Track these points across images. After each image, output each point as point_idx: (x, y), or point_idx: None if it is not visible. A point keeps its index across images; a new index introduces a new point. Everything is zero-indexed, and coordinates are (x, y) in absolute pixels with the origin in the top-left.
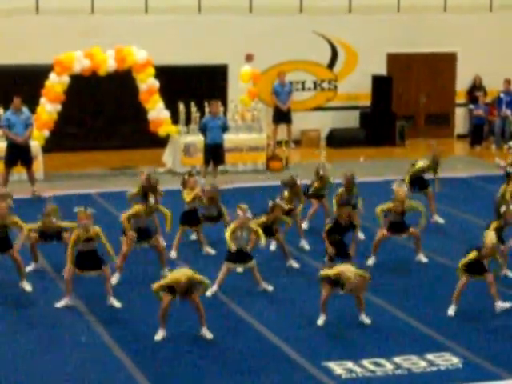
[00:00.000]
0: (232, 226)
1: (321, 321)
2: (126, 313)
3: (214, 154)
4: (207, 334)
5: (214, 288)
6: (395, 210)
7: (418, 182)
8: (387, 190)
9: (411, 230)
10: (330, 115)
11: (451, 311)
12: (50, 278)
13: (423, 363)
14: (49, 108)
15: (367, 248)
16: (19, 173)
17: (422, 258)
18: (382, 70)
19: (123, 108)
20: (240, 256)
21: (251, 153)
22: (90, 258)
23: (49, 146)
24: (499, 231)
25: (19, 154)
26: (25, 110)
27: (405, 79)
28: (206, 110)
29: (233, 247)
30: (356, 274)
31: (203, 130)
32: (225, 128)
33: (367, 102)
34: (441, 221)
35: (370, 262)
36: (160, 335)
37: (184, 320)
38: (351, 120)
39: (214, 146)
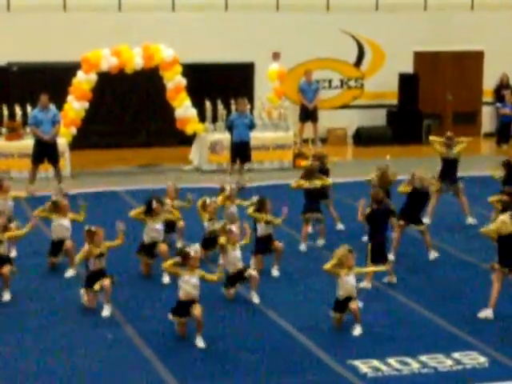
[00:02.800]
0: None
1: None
2: (151, 309)
3: (241, 151)
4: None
5: None
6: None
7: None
8: None
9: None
10: (357, 113)
11: None
12: (76, 276)
13: (449, 362)
14: (76, 105)
15: None
16: (46, 170)
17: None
18: (408, 69)
19: (150, 106)
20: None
21: (278, 151)
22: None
23: (76, 144)
24: None
25: (46, 152)
26: (52, 107)
27: (432, 77)
28: (233, 107)
29: None
30: None
31: (230, 127)
32: (252, 126)
33: (394, 101)
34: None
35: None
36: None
37: (209, 318)
38: (378, 118)
39: (241, 143)
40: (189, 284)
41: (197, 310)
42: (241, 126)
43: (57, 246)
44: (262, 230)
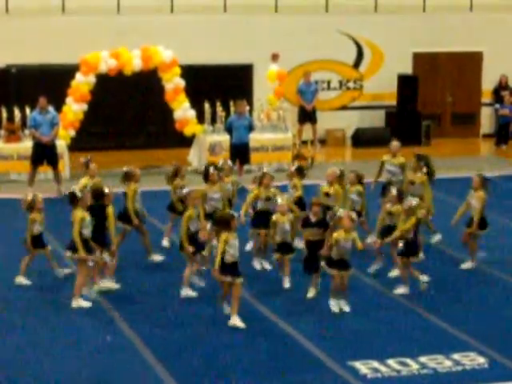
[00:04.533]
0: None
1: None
2: (151, 311)
3: (240, 153)
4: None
5: None
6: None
7: None
8: None
9: None
10: (356, 115)
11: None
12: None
13: (449, 363)
14: (75, 107)
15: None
16: (46, 172)
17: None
18: (407, 70)
19: (149, 107)
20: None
21: (276, 152)
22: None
23: (75, 145)
24: None
25: (45, 154)
26: (50, 109)
27: (430, 79)
28: (232, 109)
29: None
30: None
31: (229, 129)
32: (251, 127)
33: (393, 102)
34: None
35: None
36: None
37: (206, 320)
38: (377, 119)
39: (240, 145)
40: (233, 247)
41: (236, 289)
42: (240, 127)
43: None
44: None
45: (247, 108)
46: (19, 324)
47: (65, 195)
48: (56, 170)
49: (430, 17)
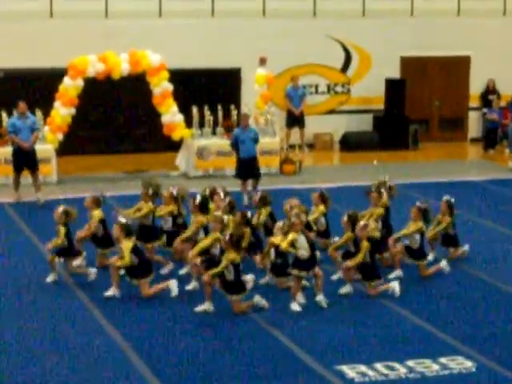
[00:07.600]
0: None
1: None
2: (140, 315)
3: (250, 167)
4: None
5: None
6: None
7: None
8: (400, 194)
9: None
10: (344, 119)
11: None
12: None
13: (436, 367)
14: (63, 111)
15: None
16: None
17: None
18: (395, 74)
19: (137, 111)
20: None
21: (264, 156)
22: None
23: (63, 150)
24: None
25: (25, 159)
26: (30, 114)
27: (418, 83)
28: (220, 113)
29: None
30: None
31: (235, 143)
32: (256, 140)
33: (380, 106)
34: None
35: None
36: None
37: (196, 323)
38: (364, 123)
39: (249, 158)
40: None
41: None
42: (246, 140)
43: None
44: None
45: (251, 120)
46: (5, 327)
47: (45, 202)
48: (35, 175)
49: (417, 21)
